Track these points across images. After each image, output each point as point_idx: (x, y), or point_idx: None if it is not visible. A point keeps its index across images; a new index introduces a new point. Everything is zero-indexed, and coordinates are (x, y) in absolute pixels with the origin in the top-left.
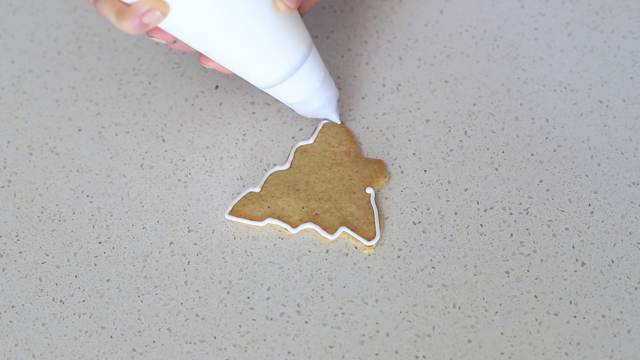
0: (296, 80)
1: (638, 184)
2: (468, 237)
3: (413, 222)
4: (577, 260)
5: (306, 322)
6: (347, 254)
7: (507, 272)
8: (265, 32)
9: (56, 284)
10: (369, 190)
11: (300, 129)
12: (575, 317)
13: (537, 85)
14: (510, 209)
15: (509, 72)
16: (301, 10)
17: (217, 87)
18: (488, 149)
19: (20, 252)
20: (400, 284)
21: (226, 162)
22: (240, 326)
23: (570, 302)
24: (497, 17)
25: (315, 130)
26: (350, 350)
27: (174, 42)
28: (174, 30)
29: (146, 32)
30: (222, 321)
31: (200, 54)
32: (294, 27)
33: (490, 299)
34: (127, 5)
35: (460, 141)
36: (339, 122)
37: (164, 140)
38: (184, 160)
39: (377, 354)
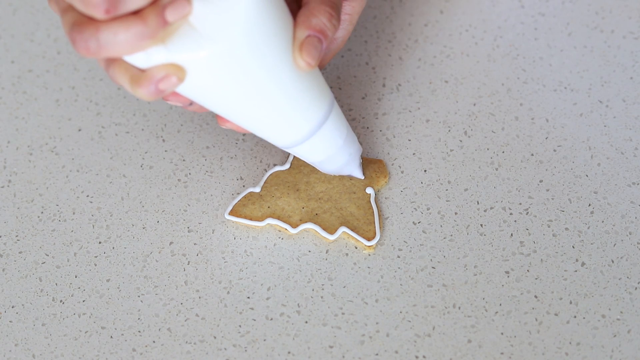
0: (318, 139)
1: (638, 184)
2: (468, 237)
3: (413, 222)
4: (577, 260)
5: (306, 322)
6: (347, 254)
7: (507, 272)
8: (284, 93)
9: (56, 284)
10: (369, 190)
11: None
12: (575, 317)
13: (537, 85)
14: (510, 209)
15: (509, 72)
16: (321, 64)
17: None
18: (488, 149)
19: (20, 252)
20: (400, 284)
21: (226, 162)
22: (240, 326)
23: (570, 302)
24: (497, 17)
25: None
26: (350, 350)
27: (190, 104)
28: (190, 94)
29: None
30: (222, 321)
31: (217, 115)
32: (315, 84)
33: (490, 299)
34: (142, 71)
35: (460, 141)
36: (363, 177)
37: (164, 140)
38: (184, 160)
39: (377, 354)
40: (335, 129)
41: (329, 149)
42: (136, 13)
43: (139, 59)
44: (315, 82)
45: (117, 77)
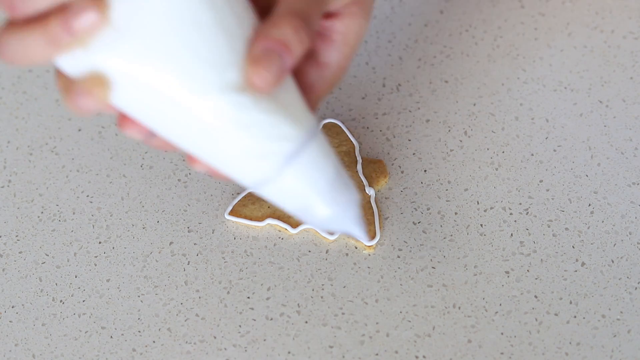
0: (290, 179)
1: (638, 184)
2: (468, 237)
3: (413, 222)
4: (577, 260)
5: (306, 322)
6: (347, 254)
7: (507, 272)
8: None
9: (56, 284)
10: (369, 191)
11: None
12: (575, 317)
13: (537, 85)
14: (510, 209)
15: (509, 72)
16: (315, 97)
17: None
18: (488, 149)
19: (20, 252)
20: (400, 284)
21: None
22: (240, 326)
23: (570, 302)
24: (497, 17)
25: None
26: (350, 350)
27: (152, 135)
28: (127, 110)
29: (118, 127)
30: (222, 321)
31: (187, 155)
32: (279, 107)
33: (490, 299)
34: (71, 81)
35: (460, 141)
36: (367, 242)
37: None
38: (184, 160)
39: (377, 354)
40: (313, 167)
41: (305, 193)
42: (44, 17)
43: (65, 64)
44: (280, 103)
45: (58, 89)
